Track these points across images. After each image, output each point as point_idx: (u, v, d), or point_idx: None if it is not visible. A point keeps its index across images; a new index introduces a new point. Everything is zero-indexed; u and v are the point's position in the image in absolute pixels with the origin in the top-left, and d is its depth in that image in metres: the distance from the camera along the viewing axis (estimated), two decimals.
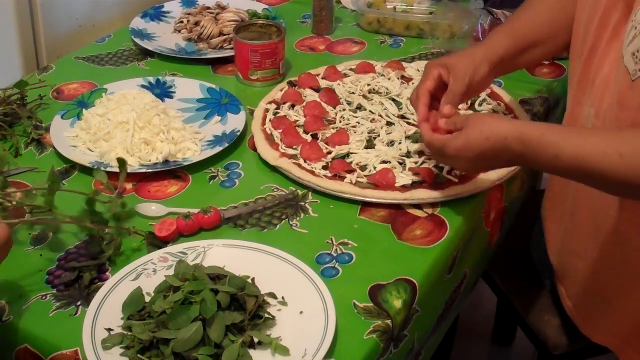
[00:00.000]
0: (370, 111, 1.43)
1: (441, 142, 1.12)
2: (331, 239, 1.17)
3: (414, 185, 1.25)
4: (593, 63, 1.16)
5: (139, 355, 0.92)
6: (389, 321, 1.03)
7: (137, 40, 1.68)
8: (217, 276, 1.00)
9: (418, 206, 1.23)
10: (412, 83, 1.52)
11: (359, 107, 1.45)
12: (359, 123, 1.39)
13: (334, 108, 1.44)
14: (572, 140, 1.00)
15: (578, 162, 0.99)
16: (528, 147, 1.03)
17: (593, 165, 0.98)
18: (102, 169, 1.22)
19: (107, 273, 1.08)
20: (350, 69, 1.57)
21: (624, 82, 1.04)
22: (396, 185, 1.24)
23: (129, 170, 1.18)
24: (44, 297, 1.05)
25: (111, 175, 1.18)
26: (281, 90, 1.50)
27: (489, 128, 1.07)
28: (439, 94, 1.23)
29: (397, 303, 1.06)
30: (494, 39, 1.30)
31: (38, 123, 1.42)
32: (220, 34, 1.71)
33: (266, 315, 0.99)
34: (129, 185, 1.25)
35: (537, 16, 1.30)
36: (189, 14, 1.79)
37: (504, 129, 1.05)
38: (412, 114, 1.42)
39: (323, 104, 1.44)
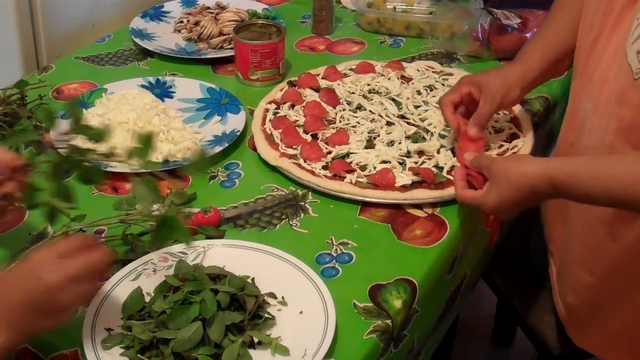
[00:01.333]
0: (370, 111, 1.43)
1: (476, 203, 1.13)
2: (331, 239, 1.17)
3: (414, 185, 1.25)
4: (593, 57, 1.16)
5: (139, 355, 0.92)
6: (389, 321, 1.03)
7: (137, 40, 1.68)
8: (217, 276, 1.00)
9: (418, 206, 1.24)
10: (412, 83, 1.52)
11: (359, 107, 1.45)
12: (359, 123, 1.39)
13: (334, 108, 1.44)
14: (600, 178, 1.00)
15: (609, 197, 1.00)
16: (558, 189, 1.04)
17: (625, 197, 0.98)
18: (102, 169, 1.22)
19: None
20: (350, 69, 1.57)
21: (626, 80, 1.04)
22: (396, 185, 1.24)
23: (129, 170, 1.18)
24: None
25: (111, 175, 1.18)
26: (281, 90, 1.50)
27: (516, 179, 1.07)
28: (469, 107, 1.28)
29: (397, 303, 1.06)
30: (529, 58, 1.30)
31: (38, 123, 1.41)
32: (220, 34, 1.71)
33: (266, 315, 0.99)
34: (128, 185, 1.25)
35: (563, 23, 1.29)
36: (189, 14, 1.79)
37: (531, 176, 1.05)
38: (412, 114, 1.42)
39: (323, 104, 1.44)
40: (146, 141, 0.96)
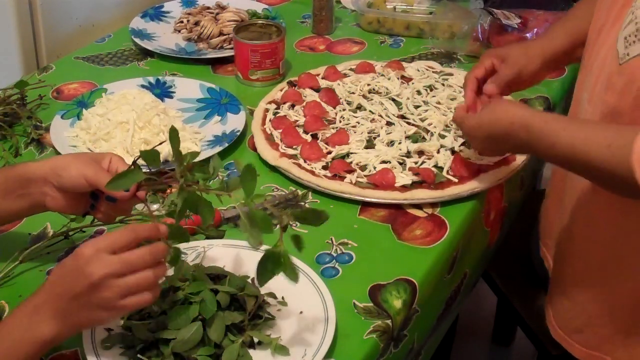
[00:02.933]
0: (370, 111, 1.43)
1: (460, 119, 1.21)
2: (331, 239, 1.17)
3: (414, 185, 1.25)
4: (595, 48, 1.17)
5: (139, 355, 0.92)
6: (389, 321, 1.03)
7: (137, 40, 1.68)
8: (217, 276, 1.00)
9: (418, 206, 1.24)
10: (412, 83, 1.52)
11: (359, 107, 1.45)
12: (359, 123, 1.39)
13: (334, 108, 1.44)
14: (569, 130, 1.04)
15: (571, 152, 1.03)
16: (531, 134, 1.07)
17: (584, 154, 1.01)
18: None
19: None
20: (350, 69, 1.57)
21: (613, 66, 1.07)
22: (396, 185, 1.24)
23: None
24: None
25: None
26: (281, 90, 1.50)
27: (500, 112, 1.13)
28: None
29: (397, 303, 1.06)
30: (551, 35, 1.32)
31: (38, 123, 1.42)
32: (220, 34, 1.71)
33: (266, 315, 0.99)
34: None
35: (588, 8, 1.29)
36: (189, 14, 1.79)
37: (512, 114, 1.11)
38: (412, 114, 1.42)
39: (323, 104, 1.44)
40: (152, 156, 0.94)
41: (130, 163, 1.00)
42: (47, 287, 0.87)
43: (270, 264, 0.89)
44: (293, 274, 0.90)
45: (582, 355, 1.27)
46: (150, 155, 0.93)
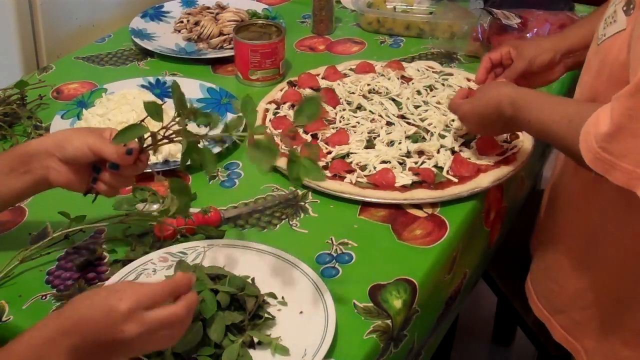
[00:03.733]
0: (370, 111, 1.43)
1: (455, 106, 1.27)
2: (331, 239, 1.17)
3: (414, 185, 1.25)
4: (594, 44, 1.18)
5: None
6: (389, 321, 1.03)
7: (137, 40, 1.68)
8: (217, 276, 1.00)
9: (418, 206, 1.24)
10: (412, 83, 1.52)
11: (359, 107, 1.45)
12: (359, 123, 1.39)
13: (334, 108, 1.44)
14: (543, 106, 1.11)
15: (541, 126, 1.11)
16: (516, 110, 1.14)
17: (551, 129, 1.08)
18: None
19: (107, 273, 1.08)
20: (350, 69, 1.57)
21: (593, 47, 1.11)
22: (396, 185, 1.24)
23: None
24: (44, 297, 1.05)
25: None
26: (281, 90, 1.50)
27: (491, 93, 1.19)
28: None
29: (397, 303, 1.06)
30: (569, 30, 1.36)
31: (38, 123, 1.42)
32: (220, 34, 1.71)
33: (266, 315, 0.99)
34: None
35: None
36: (189, 14, 1.79)
37: (502, 93, 1.17)
38: (412, 114, 1.42)
39: (323, 104, 1.44)
40: (156, 108, 0.95)
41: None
42: (67, 323, 0.80)
43: (296, 167, 0.93)
44: (318, 175, 0.95)
45: (560, 338, 1.31)
46: (153, 107, 0.95)
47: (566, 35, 1.34)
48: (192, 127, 1.03)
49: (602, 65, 1.09)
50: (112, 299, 0.80)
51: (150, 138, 0.98)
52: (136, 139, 0.97)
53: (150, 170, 1.06)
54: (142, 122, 0.96)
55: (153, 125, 0.95)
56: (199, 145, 0.98)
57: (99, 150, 0.97)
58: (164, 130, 0.97)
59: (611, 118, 0.95)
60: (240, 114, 0.96)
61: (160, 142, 0.99)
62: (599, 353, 1.25)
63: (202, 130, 0.98)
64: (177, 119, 0.95)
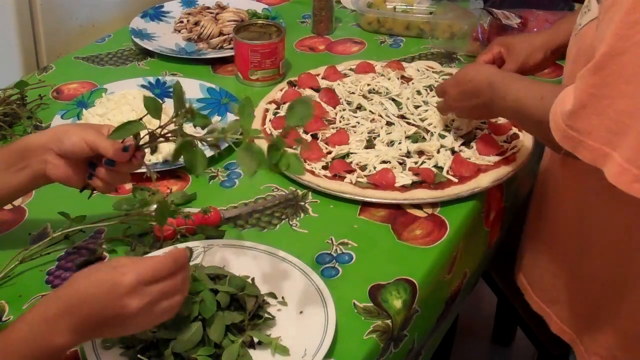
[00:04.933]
0: (370, 111, 1.43)
1: (439, 85, 1.33)
2: (331, 239, 1.17)
3: (414, 185, 1.25)
4: None
5: (139, 355, 0.92)
6: (389, 321, 1.03)
7: (137, 40, 1.68)
8: (217, 276, 1.00)
9: (418, 206, 1.24)
10: (412, 83, 1.52)
11: (359, 107, 1.45)
12: (359, 123, 1.39)
13: (334, 108, 1.44)
14: (518, 85, 1.14)
15: (515, 104, 1.13)
16: (493, 90, 1.17)
17: (524, 106, 1.11)
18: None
19: None
20: (350, 69, 1.57)
21: (572, 36, 1.13)
22: (396, 185, 1.24)
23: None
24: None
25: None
26: (281, 90, 1.50)
27: (472, 71, 1.24)
28: (500, 66, 1.37)
29: (397, 303, 1.06)
30: (557, 29, 1.37)
31: (38, 123, 1.42)
32: (220, 34, 1.71)
33: (266, 315, 0.99)
34: (128, 185, 1.25)
35: None
36: (189, 14, 1.79)
37: (482, 72, 1.21)
38: (412, 114, 1.42)
39: (323, 104, 1.44)
40: (154, 105, 0.95)
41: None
42: (69, 302, 0.82)
43: (275, 153, 0.91)
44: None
45: (557, 329, 1.32)
46: (152, 103, 0.94)
47: (556, 32, 1.36)
48: (190, 129, 1.02)
49: (579, 52, 1.11)
50: (115, 275, 0.82)
51: (147, 136, 0.98)
52: (132, 137, 0.97)
53: (144, 170, 1.05)
54: (141, 120, 0.96)
55: (152, 124, 0.96)
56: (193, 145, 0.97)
57: (95, 145, 0.97)
58: (161, 129, 0.97)
59: (574, 96, 0.97)
60: (237, 118, 0.95)
61: (156, 140, 0.98)
62: (596, 342, 1.25)
63: (200, 133, 0.97)
64: (174, 118, 0.95)
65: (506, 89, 1.15)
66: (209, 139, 0.95)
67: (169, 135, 0.97)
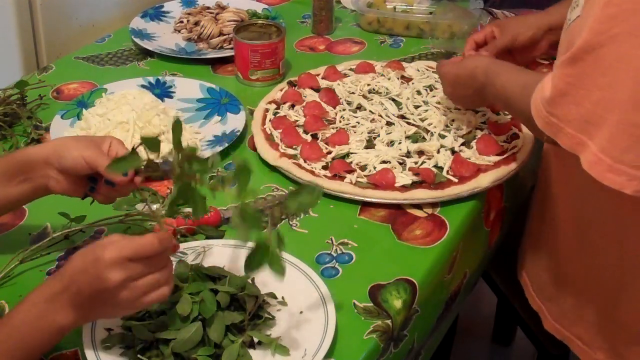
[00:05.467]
0: (370, 111, 1.43)
1: (440, 65, 1.36)
2: (331, 239, 1.17)
3: (414, 185, 1.25)
4: None
5: (139, 355, 0.92)
6: (389, 321, 1.03)
7: (137, 40, 1.68)
8: (217, 276, 1.00)
9: (418, 206, 1.24)
10: (412, 83, 1.52)
11: (359, 107, 1.45)
12: (359, 123, 1.39)
13: (334, 108, 1.44)
14: (506, 73, 1.18)
15: (503, 91, 1.17)
16: (486, 78, 1.21)
17: (508, 94, 1.15)
18: None
19: None
20: (350, 69, 1.57)
21: (563, 30, 1.13)
22: (396, 185, 1.24)
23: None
24: None
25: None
26: (281, 90, 1.50)
27: (469, 61, 1.28)
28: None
29: (397, 303, 1.06)
30: (553, 8, 1.40)
31: (38, 123, 1.42)
32: (220, 34, 1.71)
33: (266, 315, 0.99)
34: None
35: None
36: (189, 14, 1.79)
37: (478, 61, 1.26)
38: (412, 114, 1.42)
39: (323, 104, 1.44)
40: (152, 142, 0.94)
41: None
42: (65, 279, 0.86)
43: (258, 256, 0.89)
44: (278, 268, 0.89)
45: (550, 327, 1.33)
46: (151, 141, 0.93)
47: (550, 12, 1.39)
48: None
49: (568, 47, 1.11)
50: (98, 249, 0.85)
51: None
52: None
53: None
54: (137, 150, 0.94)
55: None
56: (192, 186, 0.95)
57: (94, 165, 0.97)
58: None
59: (552, 84, 0.98)
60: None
61: (155, 174, 1.00)
62: (595, 343, 1.25)
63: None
64: (173, 159, 0.93)
65: (495, 76, 1.19)
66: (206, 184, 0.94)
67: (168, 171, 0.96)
